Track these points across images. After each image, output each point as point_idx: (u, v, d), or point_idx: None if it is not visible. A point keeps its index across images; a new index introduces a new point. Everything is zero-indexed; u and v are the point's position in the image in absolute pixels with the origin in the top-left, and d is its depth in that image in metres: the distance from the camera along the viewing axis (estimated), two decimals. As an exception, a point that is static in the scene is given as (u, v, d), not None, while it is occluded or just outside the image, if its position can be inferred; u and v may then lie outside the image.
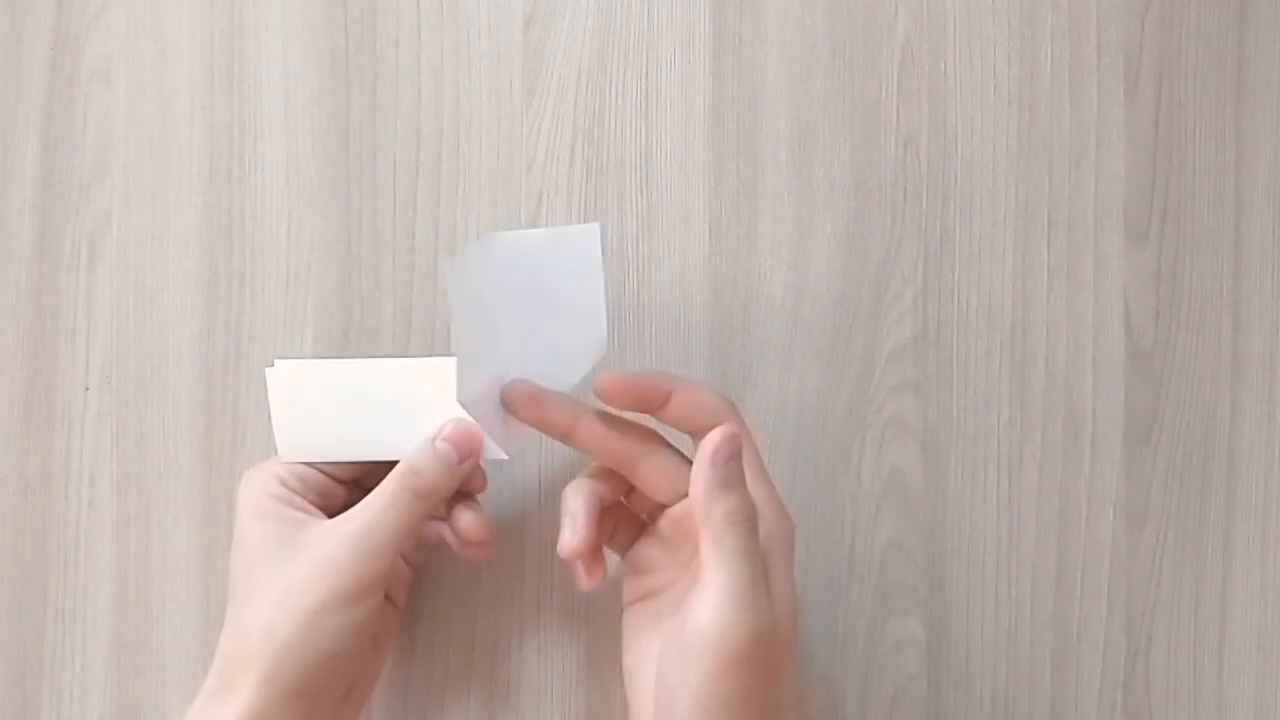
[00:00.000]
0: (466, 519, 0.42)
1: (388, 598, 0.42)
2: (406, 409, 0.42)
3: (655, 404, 0.41)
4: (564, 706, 0.46)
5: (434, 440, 0.41)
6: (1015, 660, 0.46)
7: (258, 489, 0.42)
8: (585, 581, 0.42)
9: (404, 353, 0.47)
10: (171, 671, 0.47)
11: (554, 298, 0.42)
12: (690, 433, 0.41)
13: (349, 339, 0.47)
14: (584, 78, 0.48)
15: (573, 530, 0.40)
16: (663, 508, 0.42)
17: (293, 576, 0.39)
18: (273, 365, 0.42)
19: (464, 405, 0.40)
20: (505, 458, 0.42)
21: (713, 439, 0.37)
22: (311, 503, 0.42)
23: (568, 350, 0.43)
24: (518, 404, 0.42)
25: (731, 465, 0.38)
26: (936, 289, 0.47)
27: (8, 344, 0.48)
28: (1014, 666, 0.46)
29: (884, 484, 0.47)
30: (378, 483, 0.41)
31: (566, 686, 0.47)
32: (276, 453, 0.43)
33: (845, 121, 0.48)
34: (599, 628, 0.46)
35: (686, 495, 0.40)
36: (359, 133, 0.48)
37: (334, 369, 0.42)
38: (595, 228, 0.42)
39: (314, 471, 0.43)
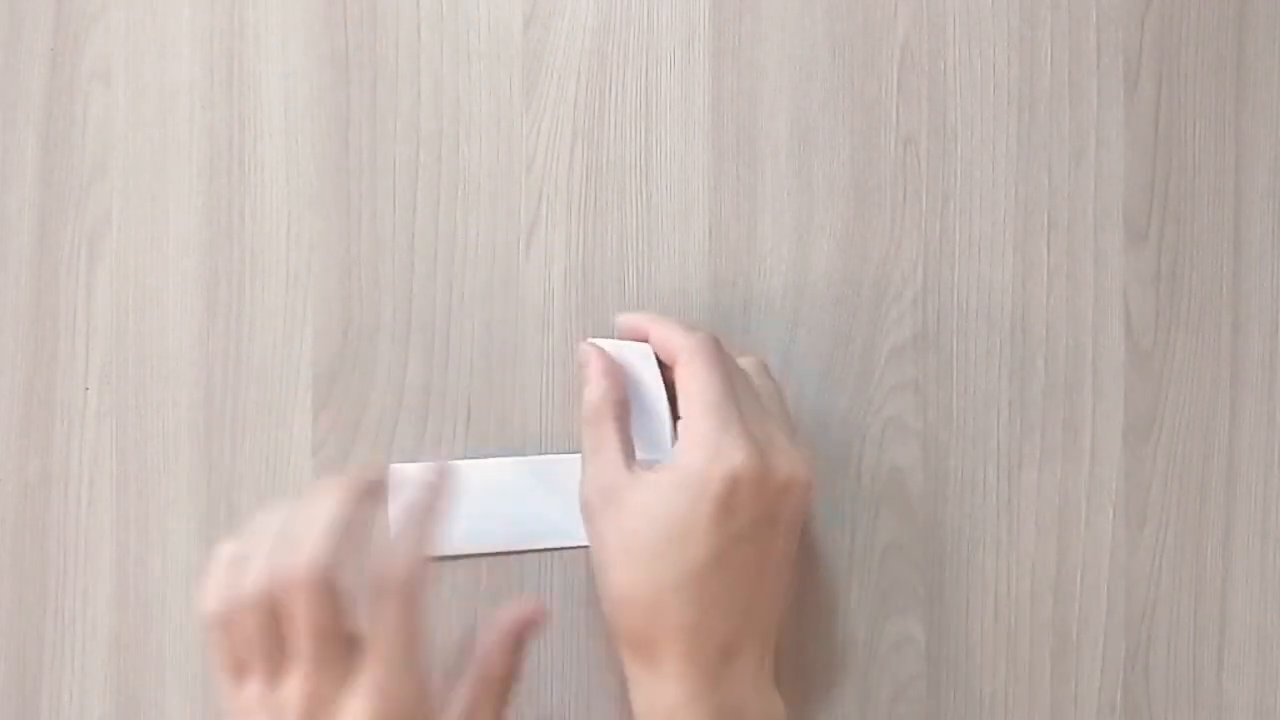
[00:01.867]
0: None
1: None
2: (523, 504, 0.46)
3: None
4: (564, 706, 0.46)
5: (507, 635, 0.42)
6: (1015, 660, 0.46)
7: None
8: None
9: (403, 352, 0.47)
10: (171, 671, 0.47)
11: (636, 400, 0.44)
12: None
13: (349, 339, 0.47)
14: (584, 78, 0.48)
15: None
16: None
17: None
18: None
19: None
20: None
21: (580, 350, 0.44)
22: None
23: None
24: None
25: (584, 371, 0.44)
26: (936, 289, 0.47)
27: (8, 344, 0.48)
28: (1014, 666, 0.46)
29: (884, 484, 0.47)
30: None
31: (566, 686, 0.47)
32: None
33: (845, 121, 0.48)
34: (599, 627, 0.46)
35: (681, 414, 0.42)
36: (359, 133, 0.48)
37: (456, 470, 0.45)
38: (649, 348, 0.44)
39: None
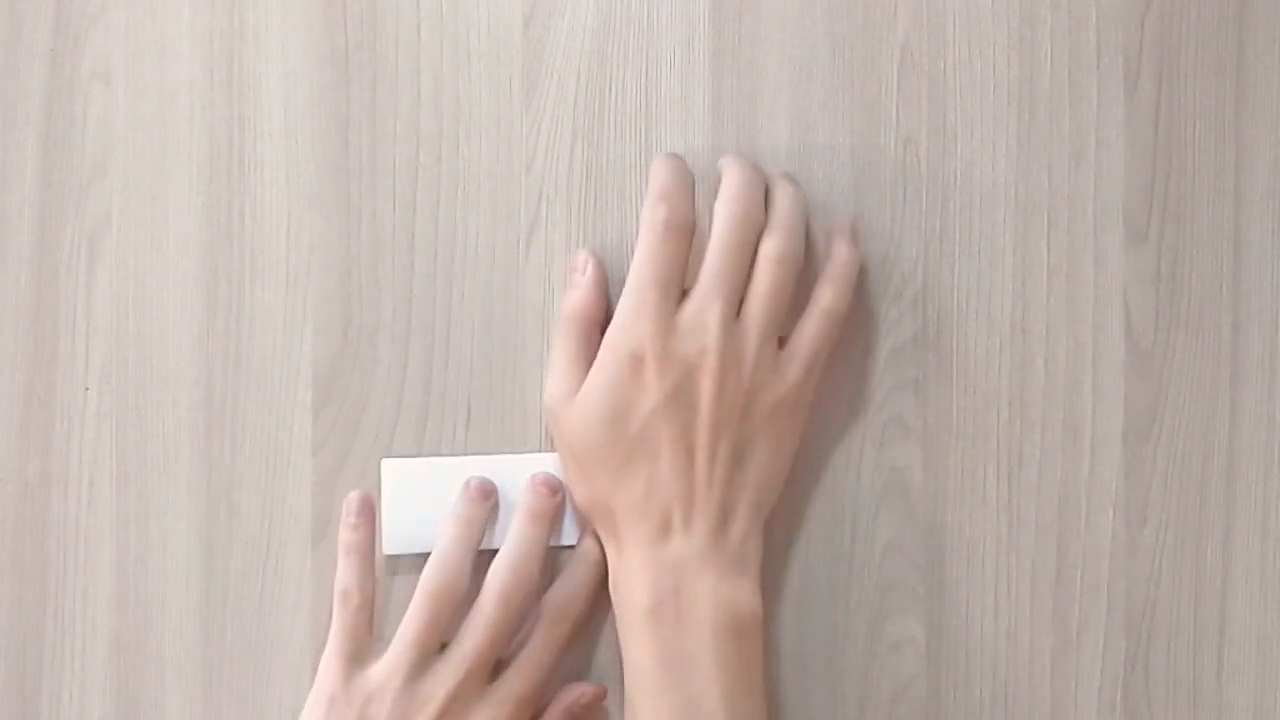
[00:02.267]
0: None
1: None
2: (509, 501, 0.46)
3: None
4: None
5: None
6: (1015, 660, 0.46)
7: None
8: None
9: (403, 352, 0.47)
10: (171, 671, 0.47)
11: None
12: None
13: (349, 339, 0.47)
14: (584, 78, 0.48)
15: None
16: None
17: None
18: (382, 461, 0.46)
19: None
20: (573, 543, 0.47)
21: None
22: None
23: None
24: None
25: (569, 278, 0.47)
26: (936, 289, 0.47)
27: (8, 344, 0.48)
28: (1014, 666, 0.46)
29: (884, 484, 0.47)
30: None
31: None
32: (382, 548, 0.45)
33: (845, 121, 0.48)
34: (599, 628, 0.46)
35: None
36: (359, 133, 0.48)
37: (444, 466, 0.46)
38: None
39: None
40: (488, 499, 0.45)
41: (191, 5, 0.48)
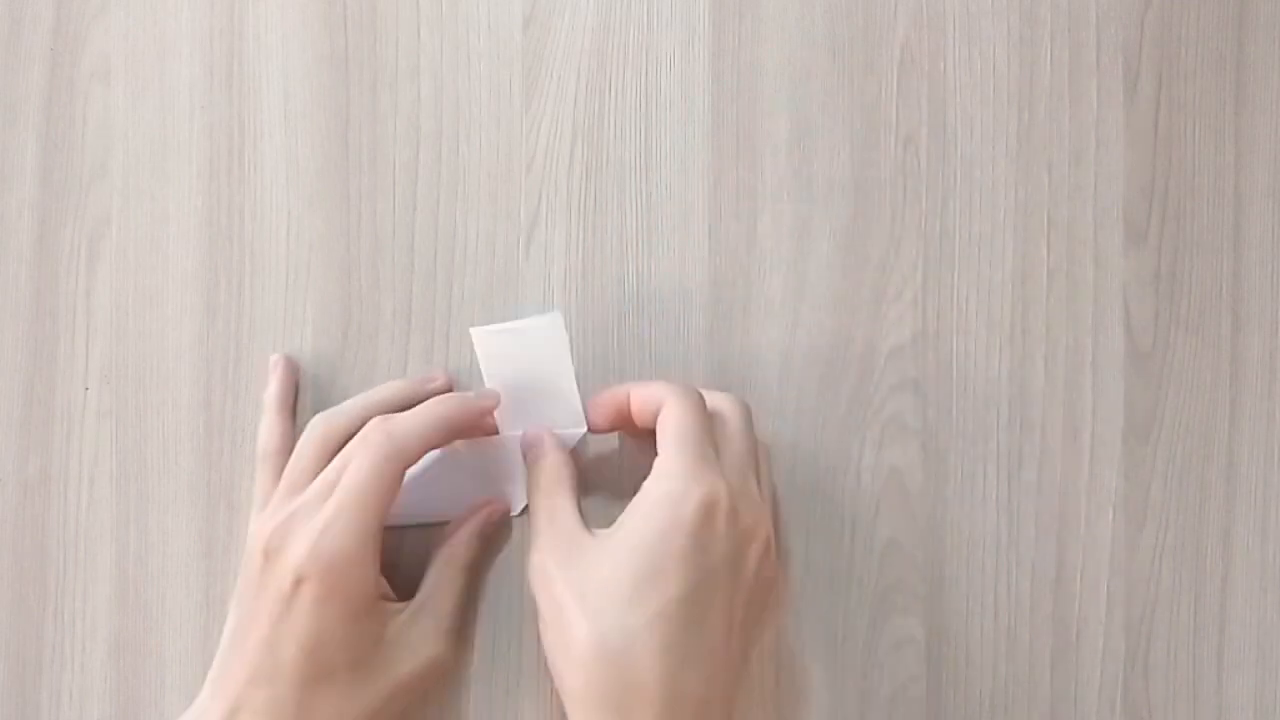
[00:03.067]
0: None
1: None
2: (477, 478, 0.46)
3: (625, 417, 0.44)
4: (564, 707, 0.46)
5: (484, 525, 0.46)
6: (1015, 660, 0.46)
7: (358, 582, 0.40)
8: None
9: (403, 352, 0.47)
10: (171, 671, 0.47)
11: (529, 386, 0.44)
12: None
13: (348, 339, 0.47)
14: (583, 78, 0.48)
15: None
16: None
17: (396, 678, 0.42)
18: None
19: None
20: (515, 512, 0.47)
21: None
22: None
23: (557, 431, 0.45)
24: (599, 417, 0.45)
25: (532, 451, 0.44)
26: (936, 289, 0.47)
27: (8, 344, 0.48)
28: (1013, 666, 0.46)
29: (883, 484, 0.47)
30: None
31: (566, 686, 0.46)
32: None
33: (845, 121, 0.48)
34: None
35: (659, 450, 0.42)
36: (359, 133, 0.48)
37: None
38: (557, 317, 0.43)
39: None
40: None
41: (191, 5, 0.48)
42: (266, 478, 0.45)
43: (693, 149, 0.48)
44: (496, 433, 0.45)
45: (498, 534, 0.47)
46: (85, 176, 0.48)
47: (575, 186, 0.48)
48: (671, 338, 0.47)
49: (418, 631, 0.43)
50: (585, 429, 0.45)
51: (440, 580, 0.45)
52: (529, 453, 0.44)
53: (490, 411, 0.45)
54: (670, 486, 0.39)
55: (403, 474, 0.41)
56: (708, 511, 0.39)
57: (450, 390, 0.46)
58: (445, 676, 0.45)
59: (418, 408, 0.42)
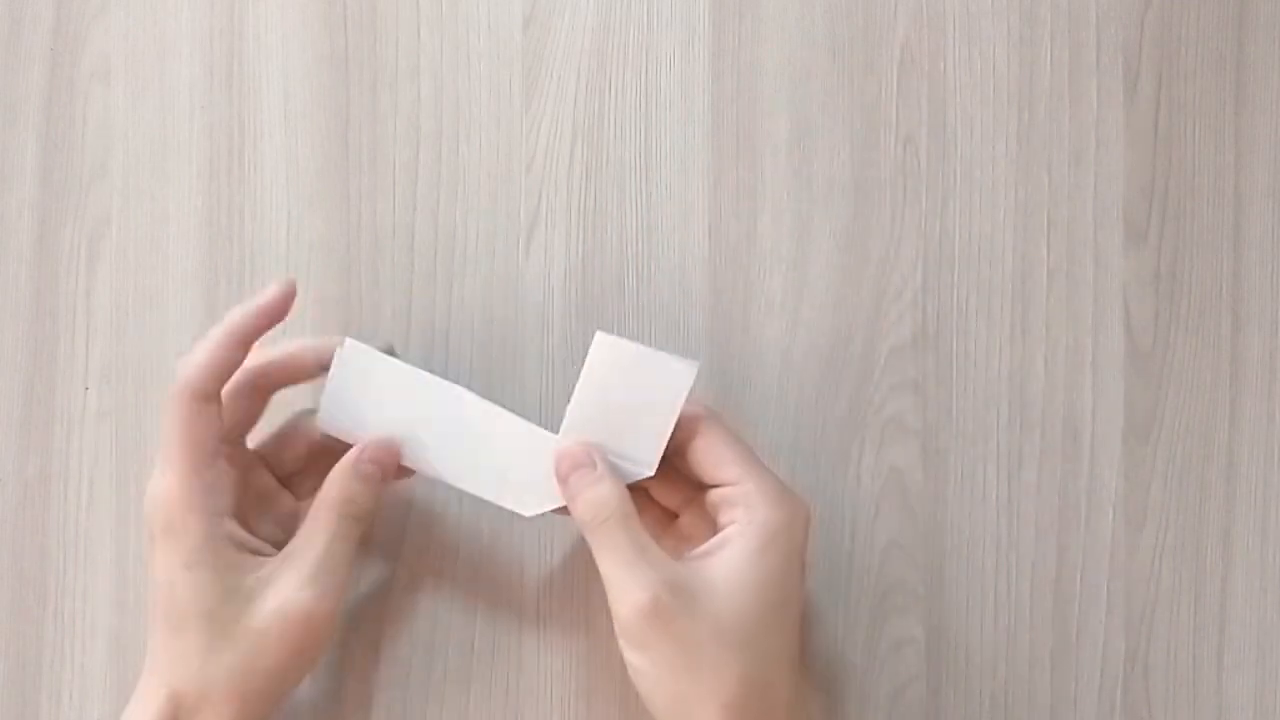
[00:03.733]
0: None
1: None
2: (462, 438, 0.43)
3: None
4: (564, 707, 0.46)
5: (358, 463, 0.42)
6: (1015, 660, 0.46)
7: (197, 530, 0.40)
8: None
9: (403, 352, 0.47)
10: (171, 671, 0.47)
11: (621, 407, 0.42)
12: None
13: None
14: (583, 78, 0.48)
15: None
16: (697, 492, 0.43)
17: (251, 628, 0.40)
18: (343, 343, 0.42)
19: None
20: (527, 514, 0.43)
21: (558, 457, 0.42)
22: (256, 533, 0.42)
23: (617, 460, 0.42)
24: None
25: (572, 476, 0.41)
26: (936, 289, 0.47)
27: (8, 344, 0.48)
28: (1013, 666, 0.46)
29: (883, 484, 0.47)
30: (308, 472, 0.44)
31: (566, 687, 0.47)
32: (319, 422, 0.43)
33: (845, 121, 0.48)
34: (599, 628, 0.46)
35: (724, 480, 0.41)
36: (359, 133, 0.48)
37: (399, 371, 0.43)
38: (695, 366, 0.41)
39: (270, 484, 0.44)
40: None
41: (191, 5, 0.48)
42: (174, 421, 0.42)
43: (693, 149, 0.48)
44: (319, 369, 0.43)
45: (500, 526, 0.46)
46: (85, 176, 0.48)
47: (575, 186, 0.48)
48: (671, 338, 0.47)
49: (279, 581, 0.40)
50: (651, 473, 0.42)
51: (310, 526, 0.41)
52: (574, 473, 0.41)
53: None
54: (779, 514, 0.40)
55: (204, 403, 0.40)
56: (806, 535, 0.40)
57: (288, 296, 0.42)
58: (319, 630, 0.41)
59: (204, 338, 0.41)
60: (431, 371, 0.45)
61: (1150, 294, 0.47)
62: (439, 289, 0.48)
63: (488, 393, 0.47)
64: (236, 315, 0.41)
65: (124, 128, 0.48)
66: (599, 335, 0.41)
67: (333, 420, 0.43)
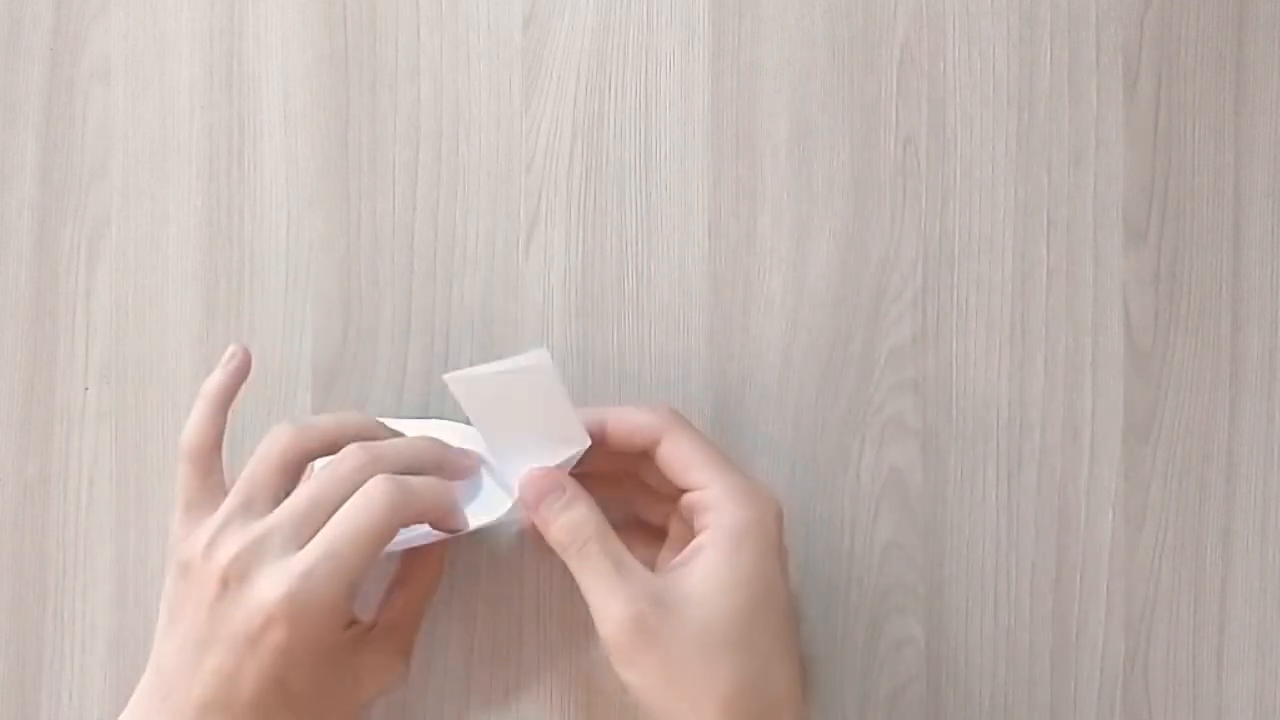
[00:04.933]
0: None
1: None
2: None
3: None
4: (564, 707, 0.46)
5: (441, 546, 0.44)
6: (1014, 660, 0.46)
7: (332, 629, 0.39)
8: None
9: (403, 352, 0.47)
10: (171, 671, 0.47)
11: (523, 427, 0.41)
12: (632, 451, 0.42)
13: (348, 339, 0.47)
14: (583, 78, 0.48)
15: None
16: (675, 504, 0.42)
17: (358, 700, 0.42)
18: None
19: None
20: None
21: (524, 486, 0.41)
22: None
23: (552, 457, 0.42)
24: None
25: (542, 504, 0.40)
26: (936, 289, 0.47)
27: (8, 344, 0.48)
28: (1013, 666, 0.46)
29: (883, 484, 0.47)
30: None
31: (566, 687, 0.47)
32: None
33: (844, 121, 0.48)
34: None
35: (691, 485, 0.41)
36: (359, 133, 0.48)
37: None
38: (544, 355, 0.40)
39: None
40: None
41: (191, 5, 0.48)
42: (192, 477, 0.41)
43: (693, 149, 0.48)
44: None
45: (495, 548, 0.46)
46: (85, 176, 0.48)
47: (575, 186, 0.48)
48: (671, 338, 0.47)
49: (382, 657, 0.42)
50: (589, 443, 0.41)
51: (404, 603, 0.44)
52: (543, 500, 0.41)
53: (472, 471, 0.43)
54: (747, 513, 0.40)
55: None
56: (780, 523, 0.40)
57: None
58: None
59: (437, 481, 0.41)
60: (431, 371, 0.46)
61: (1150, 294, 0.47)
62: (439, 289, 0.48)
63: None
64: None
65: (124, 128, 0.48)
66: (446, 378, 0.41)
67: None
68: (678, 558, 0.41)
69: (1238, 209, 0.47)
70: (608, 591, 0.39)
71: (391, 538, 0.39)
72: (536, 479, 0.41)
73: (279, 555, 0.38)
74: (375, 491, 0.38)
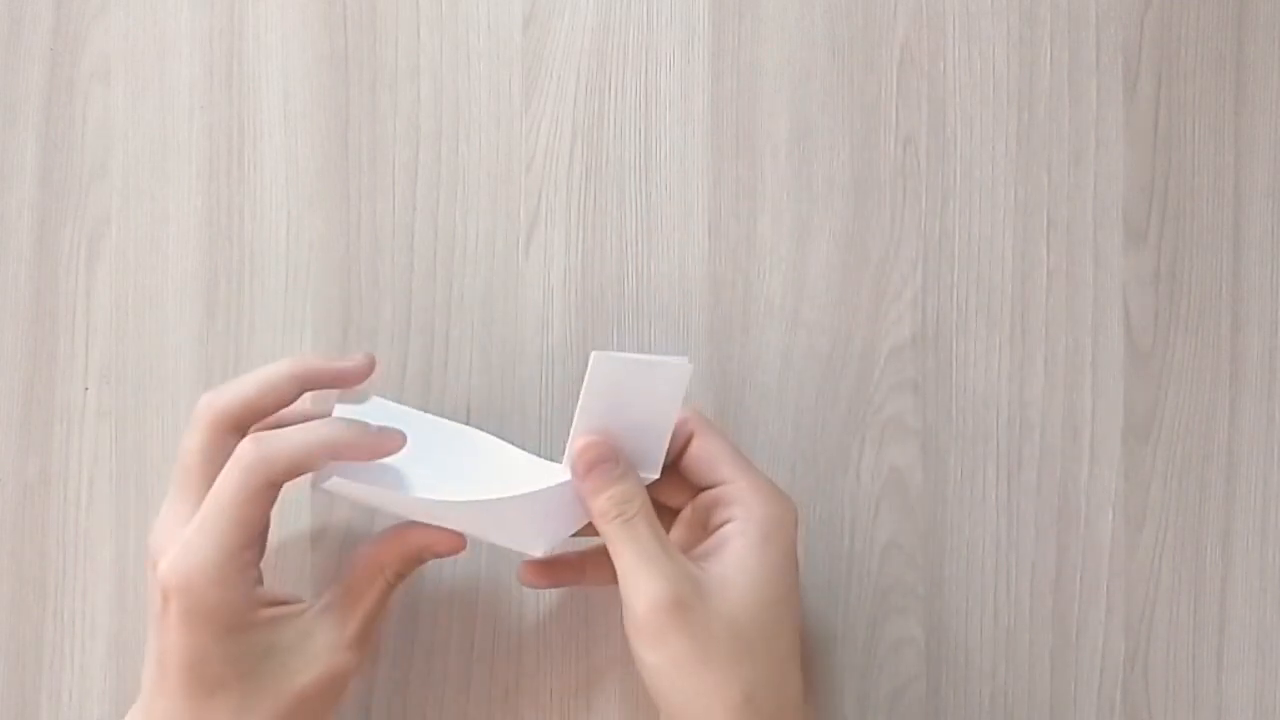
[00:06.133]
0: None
1: None
2: (461, 477, 0.42)
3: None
4: (564, 707, 0.46)
5: (420, 541, 0.41)
6: (1014, 660, 0.46)
7: (222, 600, 0.38)
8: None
9: (403, 352, 0.47)
10: (171, 671, 0.47)
11: (625, 420, 0.41)
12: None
13: (348, 339, 0.47)
14: (583, 78, 0.48)
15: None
16: (696, 494, 0.43)
17: (295, 688, 0.39)
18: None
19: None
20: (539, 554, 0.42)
21: (578, 453, 0.40)
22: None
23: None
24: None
25: (594, 472, 0.40)
26: (936, 289, 0.47)
27: (7, 344, 0.48)
28: (1013, 666, 0.46)
29: (883, 484, 0.47)
30: None
31: (566, 687, 0.47)
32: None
33: (844, 121, 0.48)
34: (599, 629, 0.46)
35: (717, 481, 0.41)
36: (359, 133, 0.48)
37: (399, 415, 0.43)
38: (685, 363, 0.41)
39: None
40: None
41: (191, 5, 0.48)
42: (191, 450, 0.40)
43: (693, 149, 0.48)
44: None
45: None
46: (85, 176, 0.48)
47: (575, 186, 0.48)
48: (671, 338, 0.47)
49: (319, 641, 0.40)
50: (657, 475, 0.41)
51: (357, 586, 0.41)
52: (596, 469, 0.40)
53: (390, 454, 0.40)
54: (775, 512, 0.40)
55: (273, 492, 0.38)
56: (796, 528, 0.41)
57: (371, 369, 0.42)
58: (350, 682, 0.41)
59: (303, 425, 0.39)
60: (431, 371, 0.45)
61: (1150, 294, 0.47)
62: (439, 289, 0.48)
63: (488, 392, 0.47)
64: (344, 435, 0.39)
65: (124, 128, 0.48)
66: (595, 354, 0.40)
67: (329, 479, 0.40)
68: (701, 546, 0.41)
69: (1238, 209, 0.47)
70: (651, 567, 0.38)
71: (262, 493, 0.38)
72: (591, 446, 0.40)
73: (179, 532, 0.38)
74: (241, 452, 0.38)
